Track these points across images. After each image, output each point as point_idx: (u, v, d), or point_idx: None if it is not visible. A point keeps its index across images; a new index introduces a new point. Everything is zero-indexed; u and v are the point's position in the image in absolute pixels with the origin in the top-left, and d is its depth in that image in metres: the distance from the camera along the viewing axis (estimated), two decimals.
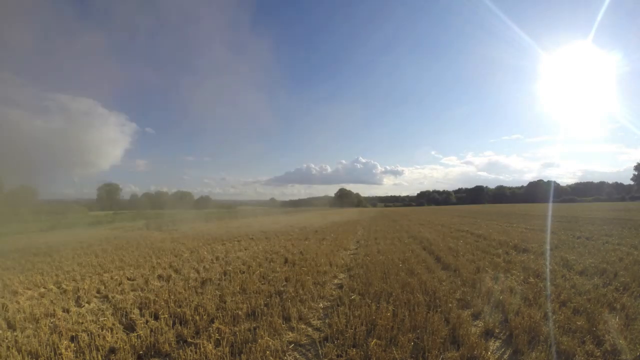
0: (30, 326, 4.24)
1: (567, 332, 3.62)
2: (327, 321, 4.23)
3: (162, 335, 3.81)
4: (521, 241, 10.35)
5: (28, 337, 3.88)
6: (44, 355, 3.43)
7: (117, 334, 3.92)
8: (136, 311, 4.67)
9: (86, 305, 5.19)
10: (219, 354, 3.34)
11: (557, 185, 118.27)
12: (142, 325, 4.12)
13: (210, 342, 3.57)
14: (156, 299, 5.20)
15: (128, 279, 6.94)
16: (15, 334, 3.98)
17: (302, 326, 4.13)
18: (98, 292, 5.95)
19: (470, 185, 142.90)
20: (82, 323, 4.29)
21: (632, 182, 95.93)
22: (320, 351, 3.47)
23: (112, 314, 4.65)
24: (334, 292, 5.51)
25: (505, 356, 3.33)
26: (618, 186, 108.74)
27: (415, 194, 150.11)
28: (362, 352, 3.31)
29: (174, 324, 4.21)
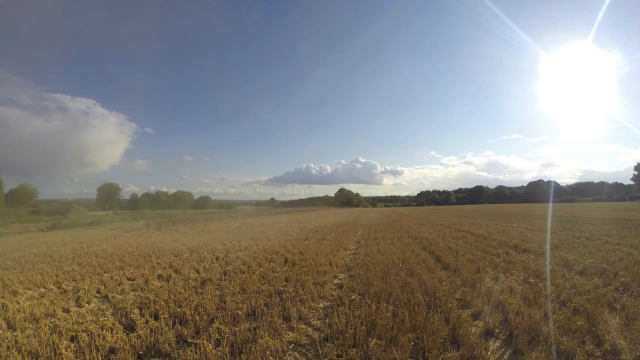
0: (30, 326, 4.24)
1: (567, 332, 3.62)
2: (327, 321, 4.23)
3: (162, 335, 3.81)
4: (521, 241, 10.35)
5: (28, 337, 3.88)
6: (44, 355, 3.43)
7: (117, 334, 3.92)
8: (136, 311, 4.67)
9: (86, 305, 5.19)
10: (219, 354, 3.34)
11: (557, 185, 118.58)
12: (142, 325, 4.12)
13: (210, 342, 3.57)
14: (156, 299, 5.20)
15: (128, 279, 6.93)
16: (15, 334, 3.99)
17: (302, 326, 4.13)
18: (98, 292, 5.95)
19: (470, 185, 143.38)
20: (82, 323, 4.29)
21: (632, 182, 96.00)
22: (320, 351, 3.47)
23: (112, 314, 4.65)
24: (334, 292, 5.51)
25: (505, 356, 3.32)
26: (618, 186, 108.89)
27: (415, 194, 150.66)
28: (362, 352, 3.31)
29: (174, 324, 4.21)
